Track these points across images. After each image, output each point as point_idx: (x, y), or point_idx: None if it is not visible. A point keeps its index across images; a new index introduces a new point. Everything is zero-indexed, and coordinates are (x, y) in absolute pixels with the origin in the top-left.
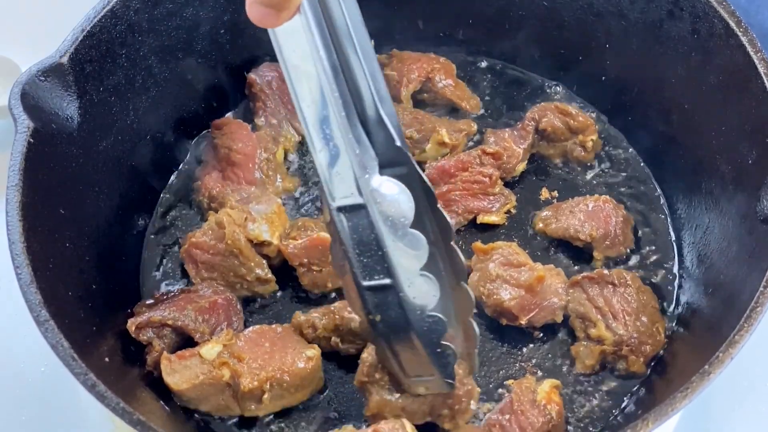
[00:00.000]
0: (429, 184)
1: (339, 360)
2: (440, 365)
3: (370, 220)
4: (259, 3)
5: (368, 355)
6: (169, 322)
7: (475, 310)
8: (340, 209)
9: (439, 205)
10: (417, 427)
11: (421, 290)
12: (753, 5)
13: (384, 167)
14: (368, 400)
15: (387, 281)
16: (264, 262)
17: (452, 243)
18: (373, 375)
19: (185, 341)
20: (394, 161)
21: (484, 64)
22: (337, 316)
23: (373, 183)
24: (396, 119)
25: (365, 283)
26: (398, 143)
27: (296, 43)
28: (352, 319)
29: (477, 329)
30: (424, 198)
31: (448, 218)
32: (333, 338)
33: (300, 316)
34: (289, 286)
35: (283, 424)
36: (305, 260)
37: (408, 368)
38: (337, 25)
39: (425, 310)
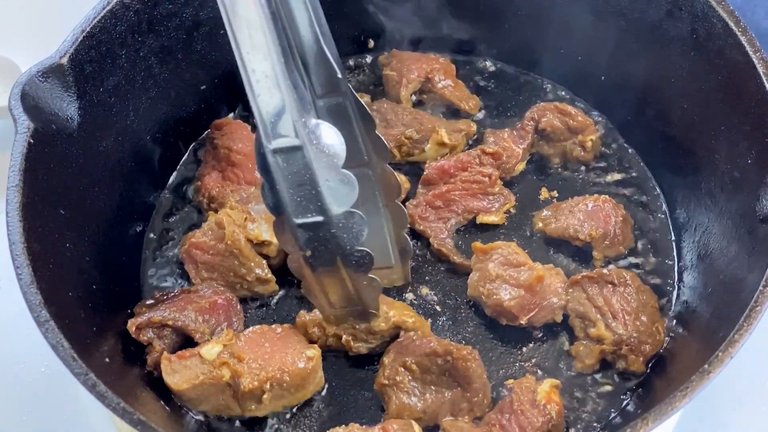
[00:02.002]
0: (367, 110)
1: (339, 360)
2: (366, 296)
3: (306, 161)
4: None
5: (389, 359)
6: (170, 323)
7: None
8: (276, 151)
9: (376, 131)
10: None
11: (351, 227)
12: (749, 5)
13: (324, 97)
14: (388, 405)
15: (320, 218)
16: (264, 262)
17: (387, 165)
18: (394, 378)
19: (185, 341)
20: (335, 91)
21: (484, 64)
22: None
23: (310, 125)
24: (336, 52)
25: (299, 221)
26: (339, 75)
27: None
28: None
29: (410, 242)
30: (363, 124)
31: (385, 142)
32: (344, 336)
33: (304, 316)
34: (289, 286)
35: (283, 425)
36: None
37: (335, 300)
38: None
39: (355, 245)
